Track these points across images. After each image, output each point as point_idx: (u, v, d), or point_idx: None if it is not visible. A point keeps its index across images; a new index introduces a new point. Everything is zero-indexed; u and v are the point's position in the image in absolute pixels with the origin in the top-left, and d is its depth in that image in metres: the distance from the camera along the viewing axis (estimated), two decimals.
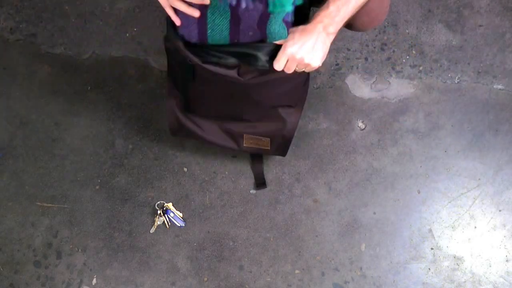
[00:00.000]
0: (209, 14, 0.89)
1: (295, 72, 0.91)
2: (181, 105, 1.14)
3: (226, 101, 1.08)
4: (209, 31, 0.92)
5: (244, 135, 1.19)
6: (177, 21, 0.90)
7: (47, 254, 1.34)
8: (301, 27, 0.85)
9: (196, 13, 0.88)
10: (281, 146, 1.20)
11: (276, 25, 0.88)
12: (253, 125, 1.16)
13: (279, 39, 0.89)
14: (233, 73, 0.95)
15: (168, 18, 0.93)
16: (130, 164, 1.37)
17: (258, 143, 1.20)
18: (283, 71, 0.91)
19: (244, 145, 1.21)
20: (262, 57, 0.91)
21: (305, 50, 0.85)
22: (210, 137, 1.20)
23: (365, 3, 0.85)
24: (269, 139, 1.18)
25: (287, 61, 0.87)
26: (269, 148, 1.21)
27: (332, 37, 0.86)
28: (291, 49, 0.85)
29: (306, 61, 0.86)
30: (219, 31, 0.92)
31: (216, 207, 1.35)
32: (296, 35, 0.85)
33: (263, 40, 0.90)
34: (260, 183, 1.34)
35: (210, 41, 0.93)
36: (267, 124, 1.14)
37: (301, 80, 1.06)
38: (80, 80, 1.41)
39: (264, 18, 0.87)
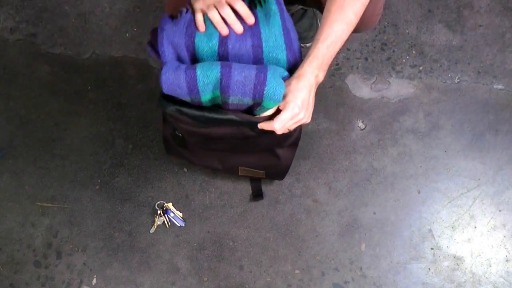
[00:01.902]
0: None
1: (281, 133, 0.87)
2: (176, 138, 1.15)
3: (220, 145, 1.07)
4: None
5: (239, 167, 1.21)
6: (202, 27, 0.85)
7: (47, 254, 1.34)
8: (295, 83, 0.81)
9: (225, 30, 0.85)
10: (277, 175, 1.25)
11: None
12: (248, 159, 1.17)
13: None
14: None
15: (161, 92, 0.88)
16: (130, 164, 1.37)
17: (253, 173, 1.24)
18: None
19: (240, 174, 1.25)
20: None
21: (304, 107, 0.82)
22: (206, 164, 1.23)
23: (347, 37, 0.83)
24: (263, 171, 1.22)
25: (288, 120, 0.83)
26: (264, 177, 1.25)
27: (318, 85, 0.84)
28: (298, 109, 0.81)
29: (305, 119, 0.84)
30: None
31: (216, 207, 1.35)
32: (297, 94, 0.81)
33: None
34: (257, 194, 1.33)
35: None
36: (262, 160, 1.16)
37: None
38: (80, 80, 1.41)
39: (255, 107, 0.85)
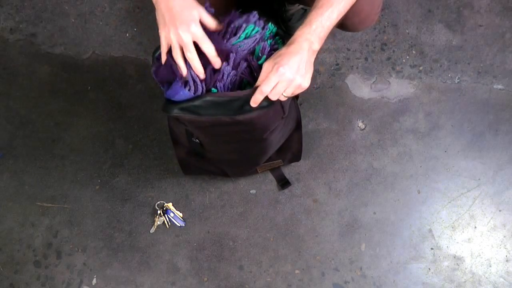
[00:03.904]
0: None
1: (278, 100, 0.86)
2: (192, 152, 1.16)
3: (238, 150, 1.09)
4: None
5: (257, 168, 1.28)
6: (184, 71, 0.84)
7: (47, 254, 1.34)
8: (284, 48, 0.81)
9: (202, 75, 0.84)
10: (293, 158, 1.30)
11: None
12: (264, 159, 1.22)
13: None
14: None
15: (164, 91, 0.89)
16: (130, 164, 1.37)
17: (271, 165, 1.29)
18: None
19: (259, 171, 1.31)
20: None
21: (295, 70, 0.80)
22: (226, 173, 1.28)
23: (346, 11, 0.83)
24: (280, 160, 1.27)
25: (277, 83, 0.81)
26: (282, 164, 1.30)
27: (315, 54, 0.84)
28: (283, 69, 0.80)
29: (298, 81, 0.82)
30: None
31: (216, 207, 1.34)
32: (284, 57, 0.80)
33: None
34: (284, 183, 1.33)
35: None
36: (276, 152, 1.22)
37: (294, 109, 1.12)
38: (80, 80, 1.41)
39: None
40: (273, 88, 0.81)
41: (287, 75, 0.80)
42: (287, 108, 0.98)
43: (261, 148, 1.08)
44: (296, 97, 1.23)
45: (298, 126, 1.20)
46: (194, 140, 1.04)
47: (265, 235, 1.33)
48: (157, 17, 0.81)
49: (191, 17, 0.80)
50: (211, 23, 0.83)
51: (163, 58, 0.85)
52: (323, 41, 0.83)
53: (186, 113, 0.87)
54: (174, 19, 0.79)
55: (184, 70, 0.83)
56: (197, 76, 0.83)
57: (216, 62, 0.83)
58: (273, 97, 0.83)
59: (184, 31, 0.79)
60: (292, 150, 1.26)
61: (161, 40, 0.82)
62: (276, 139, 1.08)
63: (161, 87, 0.89)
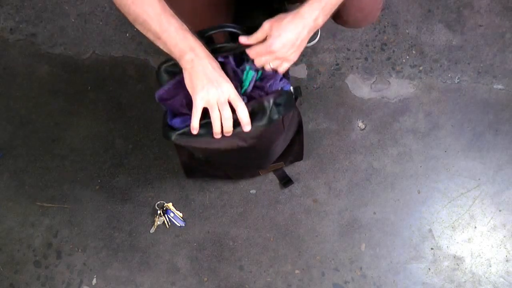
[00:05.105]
0: None
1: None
2: (195, 157, 1.17)
3: (241, 162, 1.11)
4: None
5: (259, 171, 1.30)
6: (195, 131, 0.84)
7: (47, 254, 1.34)
8: (288, 20, 0.79)
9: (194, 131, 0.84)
10: (295, 159, 1.31)
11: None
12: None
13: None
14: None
15: (164, 118, 0.89)
16: (130, 164, 1.37)
17: (273, 167, 1.30)
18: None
19: (261, 174, 1.32)
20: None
21: (288, 46, 0.79)
22: (227, 173, 1.29)
23: None
24: (282, 162, 1.28)
25: (264, 53, 0.81)
26: (284, 165, 1.31)
27: (316, 29, 0.82)
28: (274, 46, 0.79)
29: (289, 58, 0.82)
30: None
31: (216, 207, 1.34)
32: (282, 31, 0.78)
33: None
34: (286, 181, 1.33)
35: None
36: (278, 156, 1.23)
37: (296, 119, 1.12)
38: (80, 80, 1.41)
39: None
40: (258, 55, 0.82)
41: (279, 53, 0.80)
42: (287, 123, 0.99)
43: (265, 158, 1.10)
44: (295, 99, 1.23)
45: (299, 130, 1.19)
46: (198, 156, 1.04)
47: (265, 235, 1.33)
48: (193, 81, 0.80)
49: (227, 80, 0.81)
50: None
51: (195, 124, 0.83)
52: (328, 17, 0.81)
53: (184, 137, 0.87)
54: (212, 81, 0.79)
55: (217, 136, 0.83)
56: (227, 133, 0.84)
57: (245, 126, 0.83)
58: (257, 64, 0.83)
59: (224, 89, 0.80)
60: (293, 153, 1.26)
61: (197, 103, 0.81)
62: (279, 148, 1.10)
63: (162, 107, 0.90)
